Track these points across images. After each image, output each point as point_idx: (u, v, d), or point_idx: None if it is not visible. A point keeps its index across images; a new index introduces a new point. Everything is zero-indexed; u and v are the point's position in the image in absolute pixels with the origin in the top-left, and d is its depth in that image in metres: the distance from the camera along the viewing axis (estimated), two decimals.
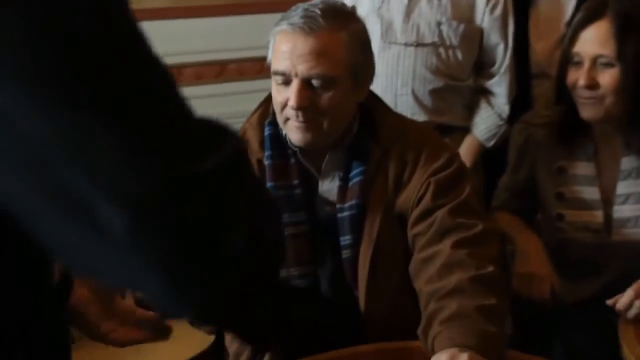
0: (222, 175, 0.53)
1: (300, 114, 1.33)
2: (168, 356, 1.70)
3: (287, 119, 1.36)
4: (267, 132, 1.43)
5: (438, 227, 1.30)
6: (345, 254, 1.39)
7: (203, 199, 0.52)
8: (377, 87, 2.02)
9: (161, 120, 0.52)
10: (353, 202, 1.38)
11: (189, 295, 0.53)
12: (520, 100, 2.20)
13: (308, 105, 1.32)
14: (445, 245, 1.27)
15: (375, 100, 1.49)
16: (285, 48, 1.32)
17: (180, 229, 0.51)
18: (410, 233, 1.35)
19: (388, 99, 2.02)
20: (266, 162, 1.41)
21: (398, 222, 1.38)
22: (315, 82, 1.32)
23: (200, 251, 0.52)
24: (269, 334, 1.14)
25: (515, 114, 2.03)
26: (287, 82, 1.33)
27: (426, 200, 1.33)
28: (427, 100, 2.08)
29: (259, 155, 1.42)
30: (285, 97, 1.34)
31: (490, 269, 1.22)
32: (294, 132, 1.36)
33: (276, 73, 1.34)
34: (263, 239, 0.58)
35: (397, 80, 2.06)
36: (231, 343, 1.48)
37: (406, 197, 1.37)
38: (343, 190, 1.40)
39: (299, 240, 1.39)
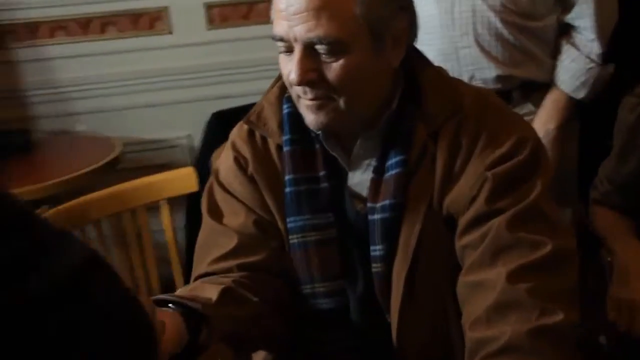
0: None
1: (307, 90, 1.11)
2: None
3: (298, 97, 1.15)
4: (285, 110, 1.22)
5: (492, 242, 1.08)
6: (376, 267, 1.17)
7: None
8: (432, 42, 1.64)
9: None
10: (387, 201, 1.15)
11: None
12: (636, 52, 1.75)
13: (314, 78, 1.10)
14: (500, 273, 1.05)
15: (422, 62, 1.21)
16: (282, 5, 1.10)
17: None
18: (459, 244, 1.13)
19: (448, 56, 1.67)
20: (285, 149, 1.20)
21: (446, 228, 1.15)
22: (320, 48, 1.08)
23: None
24: None
25: (627, 73, 1.65)
26: (289, 49, 1.12)
27: (480, 202, 1.10)
28: (496, 50, 1.70)
29: (278, 139, 1.21)
30: (290, 69, 1.12)
31: (559, 316, 1.01)
32: (305, 112, 1.15)
33: (275, 38, 1.13)
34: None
35: (455, 30, 1.69)
36: (256, 354, 1.31)
37: (457, 195, 1.13)
38: (376, 184, 1.17)
39: (326, 249, 1.19)
